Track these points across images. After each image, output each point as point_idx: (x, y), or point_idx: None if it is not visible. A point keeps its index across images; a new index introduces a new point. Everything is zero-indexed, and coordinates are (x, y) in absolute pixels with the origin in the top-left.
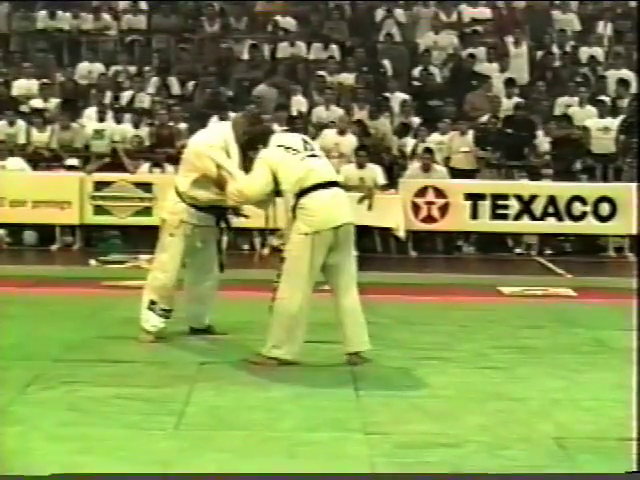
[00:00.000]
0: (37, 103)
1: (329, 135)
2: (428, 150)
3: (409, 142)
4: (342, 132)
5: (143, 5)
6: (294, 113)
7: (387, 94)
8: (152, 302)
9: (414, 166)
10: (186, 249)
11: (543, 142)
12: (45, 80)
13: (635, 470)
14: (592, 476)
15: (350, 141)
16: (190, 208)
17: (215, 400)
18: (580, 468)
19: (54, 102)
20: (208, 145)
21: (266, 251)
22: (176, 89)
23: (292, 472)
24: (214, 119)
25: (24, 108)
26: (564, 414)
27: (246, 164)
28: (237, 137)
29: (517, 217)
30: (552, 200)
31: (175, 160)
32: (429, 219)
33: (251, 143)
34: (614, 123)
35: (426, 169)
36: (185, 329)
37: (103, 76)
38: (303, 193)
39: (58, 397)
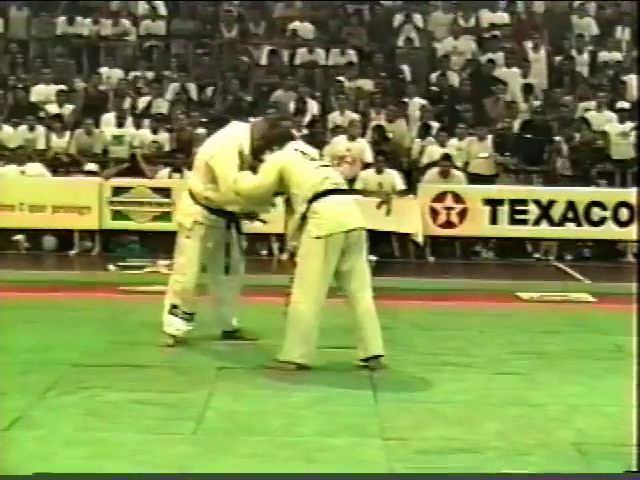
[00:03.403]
0: (54, 109)
1: (340, 142)
2: (447, 156)
3: (428, 150)
4: (353, 138)
5: (162, 10)
6: (308, 117)
7: (406, 99)
8: (174, 306)
9: (432, 171)
10: (203, 251)
11: (562, 149)
12: (63, 87)
13: (634, 470)
14: (591, 476)
15: (361, 146)
16: (203, 210)
17: (233, 405)
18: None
19: (71, 108)
20: (222, 148)
21: (284, 256)
22: (194, 94)
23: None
24: (233, 124)
25: (44, 114)
26: (583, 420)
27: (256, 167)
28: (252, 140)
29: (536, 222)
30: (571, 205)
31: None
32: (447, 224)
33: (267, 145)
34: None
35: (445, 175)
36: (204, 334)
37: (122, 82)
38: (315, 198)
39: (77, 402)
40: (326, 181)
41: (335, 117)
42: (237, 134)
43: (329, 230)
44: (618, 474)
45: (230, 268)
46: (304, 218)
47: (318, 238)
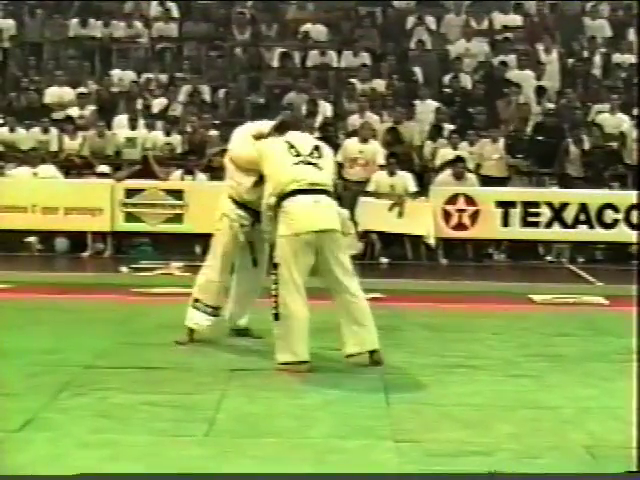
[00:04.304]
0: (73, 111)
1: (352, 144)
2: (460, 159)
3: (441, 152)
4: (365, 140)
5: (174, 13)
6: (320, 119)
7: (418, 101)
8: (196, 300)
9: (445, 173)
10: (230, 245)
11: (574, 152)
12: (83, 90)
13: (635, 470)
14: (592, 476)
15: (374, 148)
16: (231, 204)
17: (246, 407)
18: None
19: (89, 109)
20: (238, 134)
21: None
22: (207, 96)
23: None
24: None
25: (57, 116)
26: (595, 423)
27: None
28: (269, 133)
29: (548, 225)
30: (583, 208)
31: (206, 168)
32: (460, 227)
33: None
34: None
35: (458, 177)
36: (216, 335)
37: (134, 84)
38: (286, 196)
39: (89, 404)
40: (297, 180)
41: (354, 119)
42: (255, 125)
43: (295, 230)
44: (618, 474)
45: (257, 262)
46: (275, 213)
47: (286, 237)
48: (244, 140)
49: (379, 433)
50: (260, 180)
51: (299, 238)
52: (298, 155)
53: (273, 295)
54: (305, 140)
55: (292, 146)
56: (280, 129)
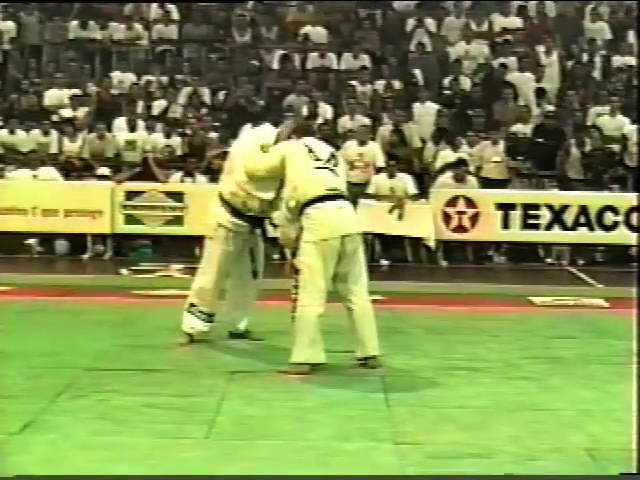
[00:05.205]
0: (67, 113)
1: (351, 146)
2: (463, 161)
3: (442, 154)
4: (363, 142)
5: (175, 15)
6: (320, 121)
7: (417, 104)
8: (191, 305)
9: (446, 176)
10: (225, 254)
11: (574, 154)
12: (77, 91)
13: (629, 472)
14: (592, 479)
15: (373, 150)
16: (227, 213)
17: (246, 409)
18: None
19: (85, 111)
20: (247, 145)
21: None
22: (207, 98)
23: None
24: (247, 127)
25: (56, 118)
26: (596, 425)
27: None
28: (278, 137)
29: (548, 227)
30: (583, 210)
31: (206, 170)
32: (460, 229)
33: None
34: None
35: (460, 180)
36: (216, 337)
37: (134, 86)
38: (309, 202)
39: (89, 406)
40: (317, 186)
41: (345, 121)
42: (262, 132)
43: (322, 236)
44: (618, 476)
45: (258, 273)
46: (296, 217)
47: (314, 243)
48: (255, 152)
49: (379, 435)
50: (280, 187)
51: (327, 243)
52: (318, 160)
53: (293, 300)
54: (322, 146)
55: (311, 150)
56: (295, 135)
